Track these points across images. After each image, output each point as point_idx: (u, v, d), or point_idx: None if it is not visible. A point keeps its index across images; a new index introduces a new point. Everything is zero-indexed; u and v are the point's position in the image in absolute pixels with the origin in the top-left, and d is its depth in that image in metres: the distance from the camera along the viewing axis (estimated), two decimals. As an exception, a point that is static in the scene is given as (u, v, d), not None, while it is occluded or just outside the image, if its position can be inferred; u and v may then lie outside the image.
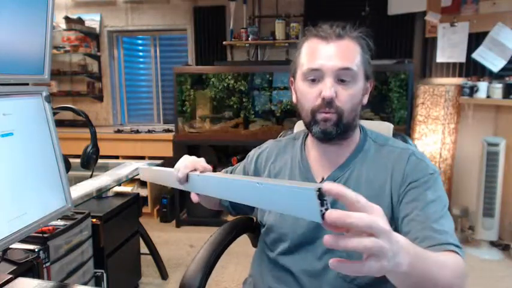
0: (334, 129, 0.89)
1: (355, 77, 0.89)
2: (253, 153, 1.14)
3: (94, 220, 1.86)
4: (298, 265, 0.96)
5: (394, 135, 1.17)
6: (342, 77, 0.87)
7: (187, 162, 0.90)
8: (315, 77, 0.89)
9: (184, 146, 3.87)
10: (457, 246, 0.78)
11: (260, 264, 1.07)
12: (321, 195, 0.50)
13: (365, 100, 0.95)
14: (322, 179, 0.96)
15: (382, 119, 3.26)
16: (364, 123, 1.09)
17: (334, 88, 0.87)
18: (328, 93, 0.86)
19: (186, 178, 0.88)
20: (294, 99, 0.99)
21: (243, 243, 1.36)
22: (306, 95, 0.91)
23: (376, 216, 0.50)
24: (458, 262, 0.75)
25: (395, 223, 0.88)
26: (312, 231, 0.94)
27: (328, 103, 0.87)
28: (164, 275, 2.62)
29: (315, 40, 0.91)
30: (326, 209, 0.50)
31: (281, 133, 1.35)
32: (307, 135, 1.03)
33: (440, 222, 0.82)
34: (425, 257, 0.64)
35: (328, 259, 0.90)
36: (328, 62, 0.87)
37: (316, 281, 0.94)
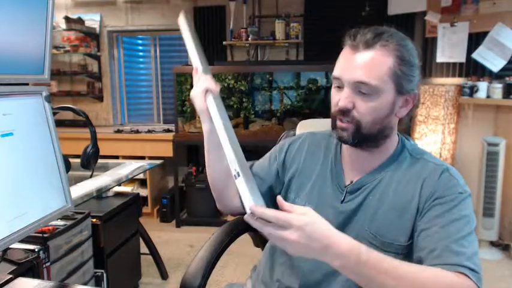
0: (350, 139, 0.89)
1: (377, 91, 0.85)
2: (283, 143, 1.13)
3: (94, 220, 1.86)
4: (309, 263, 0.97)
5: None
6: (361, 89, 0.85)
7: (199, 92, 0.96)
8: (338, 84, 0.89)
9: (184, 146, 3.87)
10: (472, 270, 0.75)
11: (272, 254, 1.07)
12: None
13: (401, 113, 0.91)
14: (351, 182, 0.96)
15: (382, 119, 3.26)
16: None
17: (352, 99, 0.86)
18: (342, 103, 0.87)
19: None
20: None
21: (243, 243, 1.36)
22: (332, 99, 0.92)
23: (296, 215, 0.69)
24: (461, 284, 0.73)
25: (413, 236, 0.87)
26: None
27: (342, 112, 0.87)
28: (164, 275, 2.62)
29: (347, 48, 0.89)
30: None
31: (283, 134, 1.35)
32: None
33: (460, 243, 0.78)
34: (379, 267, 0.70)
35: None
36: (346, 73, 0.87)
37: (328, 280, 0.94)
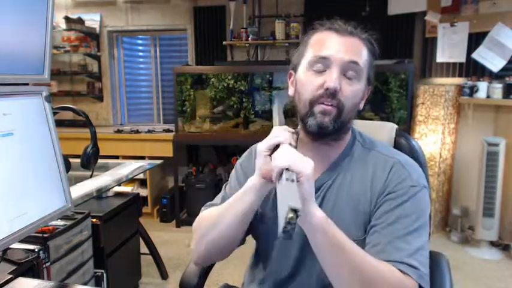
0: (331, 125, 0.85)
1: (361, 74, 0.86)
2: (236, 168, 1.06)
3: (94, 220, 1.86)
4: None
5: (398, 135, 1.14)
6: (348, 71, 0.85)
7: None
8: (322, 65, 0.85)
9: (184, 146, 3.87)
10: (412, 266, 0.75)
11: (254, 269, 1.05)
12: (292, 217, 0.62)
13: (361, 105, 0.91)
14: None
15: (382, 119, 3.26)
16: (367, 123, 1.07)
17: (340, 80, 0.84)
18: (333, 84, 0.82)
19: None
20: (291, 92, 0.95)
21: (242, 245, 1.36)
22: (308, 84, 0.87)
23: None
24: (399, 279, 0.73)
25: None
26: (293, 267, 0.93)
27: (331, 94, 0.83)
28: (164, 275, 2.62)
29: (326, 32, 0.88)
30: (292, 228, 0.62)
31: None
32: (298, 136, 0.97)
33: (405, 239, 0.78)
34: (345, 238, 0.74)
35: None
36: (337, 53, 0.84)
37: None
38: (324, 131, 0.85)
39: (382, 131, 1.10)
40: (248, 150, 1.06)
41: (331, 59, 0.84)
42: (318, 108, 0.85)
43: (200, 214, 1.01)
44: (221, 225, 0.90)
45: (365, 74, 0.88)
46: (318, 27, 0.91)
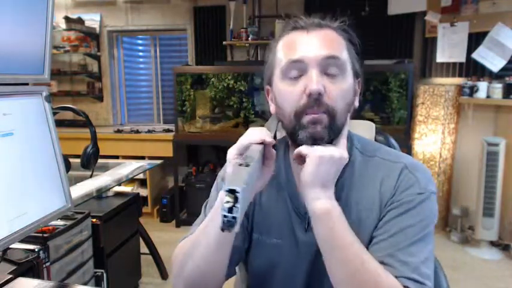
0: (326, 133, 0.72)
1: (344, 69, 0.74)
2: (218, 182, 0.91)
3: (94, 220, 1.86)
4: None
5: (377, 133, 1.11)
6: (329, 69, 0.73)
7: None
8: (297, 70, 0.73)
9: (184, 146, 3.87)
10: (416, 281, 0.68)
11: None
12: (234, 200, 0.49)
13: (356, 103, 0.80)
14: None
15: (382, 119, 3.27)
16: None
17: (322, 82, 0.72)
18: (315, 86, 0.70)
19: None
20: (272, 109, 0.83)
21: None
22: (287, 95, 0.74)
23: None
24: None
25: None
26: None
27: (315, 100, 0.71)
28: (164, 275, 2.62)
29: (292, 34, 0.77)
30: (233, 217, 0.50)
31: None
32: (289, 148, 0.85)
33: (408, 251, 0.70)
34: (349, 237, 0.69)
35: None
36: (310, 51, 0.73)
37: None
38: (319, 143, 0.72)
39: (362, 129, 1.08)
40: None
41: (305, 61, 0.73)
42: (306, 118, 0.72)
43: (178, 245, 0.85)
44: (195, 257, 0.75)
45: (349, 67, 0.76)
46: (282, 31, 0.80)
